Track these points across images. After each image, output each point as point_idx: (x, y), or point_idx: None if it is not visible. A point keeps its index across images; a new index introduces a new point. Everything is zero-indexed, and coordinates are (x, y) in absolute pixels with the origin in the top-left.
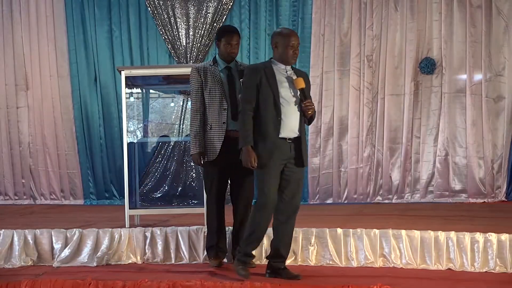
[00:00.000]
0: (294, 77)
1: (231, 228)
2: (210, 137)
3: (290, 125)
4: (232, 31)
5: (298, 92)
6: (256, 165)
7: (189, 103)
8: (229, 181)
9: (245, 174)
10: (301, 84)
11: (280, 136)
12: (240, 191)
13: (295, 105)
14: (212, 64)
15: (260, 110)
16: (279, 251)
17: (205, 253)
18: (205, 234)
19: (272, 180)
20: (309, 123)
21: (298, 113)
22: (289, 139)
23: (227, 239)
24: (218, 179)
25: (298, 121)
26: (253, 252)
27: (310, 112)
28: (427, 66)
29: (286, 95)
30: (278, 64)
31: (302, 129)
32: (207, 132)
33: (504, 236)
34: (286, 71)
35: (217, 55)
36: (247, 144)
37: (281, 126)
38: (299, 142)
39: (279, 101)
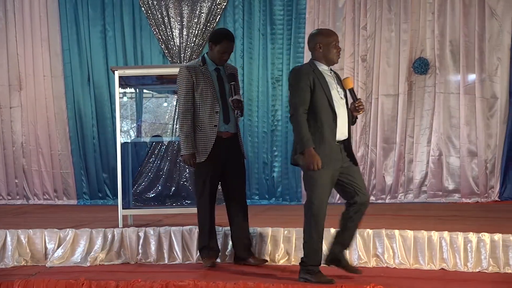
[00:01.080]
0: (333, 79)
1: (224, 228)
2: (201, 138)
3: (342, 128)
4: (231, 39)
5: (344, 93)
6: (320, 167)
7: None
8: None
9: (237, 174)
10: (351, 83)
11: (336, 139)
12: (235, 193)
13: (344, 106)
14: (201, 64)
15: (316, 114)
16: (348, 240)
17: (198, 253)
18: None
19: (325, 187)
20: (353, 124)
21: (346, 115)
22: (339, 141)
23: (221, 239)
24: (210, 180)
25: (347, 123)
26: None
27: (361, 112)
28: (421, 66)
29: (336, 96)
30: (322, 65)
31: (350, 130)
32: (197, 133)
33: (497, 236)
34: (330, 72)
35: (206, 55)
36: (309, 146)
37: (337, 129)
38: (348, 143)
39: (333, 104)
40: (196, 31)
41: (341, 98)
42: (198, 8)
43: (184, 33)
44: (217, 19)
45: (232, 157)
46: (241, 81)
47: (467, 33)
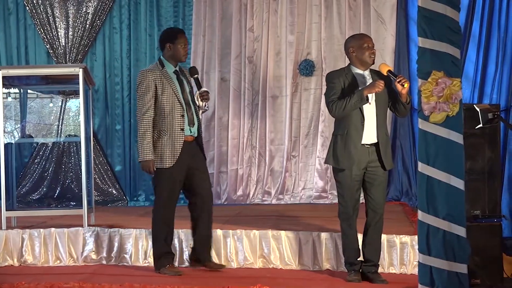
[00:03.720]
0: (370, 80)
1: (110, 230)
2: (169, 142)
3: (369, 131)
4: (184, 32)
5: (374, 97)
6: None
7: (69, 103)
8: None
9: (205, 177)
10: (386, 66)
11: (362, 142)
12: (203, 197)
13: (374, 111)
14: (161, 68)
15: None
16: (367, 255)
17: (84, 254)
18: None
19: (351, 188)
20: (408, 103)
21: (375, 119)
22: (367, 144)
23: (106, 241)
24: (178, 186)
25: (375, 127)
26: (359, 259)
27: (406, 85)
28: (306, 68)
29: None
30: (357, 69)
31: (380, 134)
32: (163, 138)
33: (382, 237)
34: (364, 76)
35: (163, 58)
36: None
37: (363, 132)
38: (378, 147)
39: (362, 106)
40: (82, 32)
41: (369, 103)
42: (84, 8)
43: (70, 33)
44: (104, 19)
45: (197, 159)
46: (128, 82)
47: None
